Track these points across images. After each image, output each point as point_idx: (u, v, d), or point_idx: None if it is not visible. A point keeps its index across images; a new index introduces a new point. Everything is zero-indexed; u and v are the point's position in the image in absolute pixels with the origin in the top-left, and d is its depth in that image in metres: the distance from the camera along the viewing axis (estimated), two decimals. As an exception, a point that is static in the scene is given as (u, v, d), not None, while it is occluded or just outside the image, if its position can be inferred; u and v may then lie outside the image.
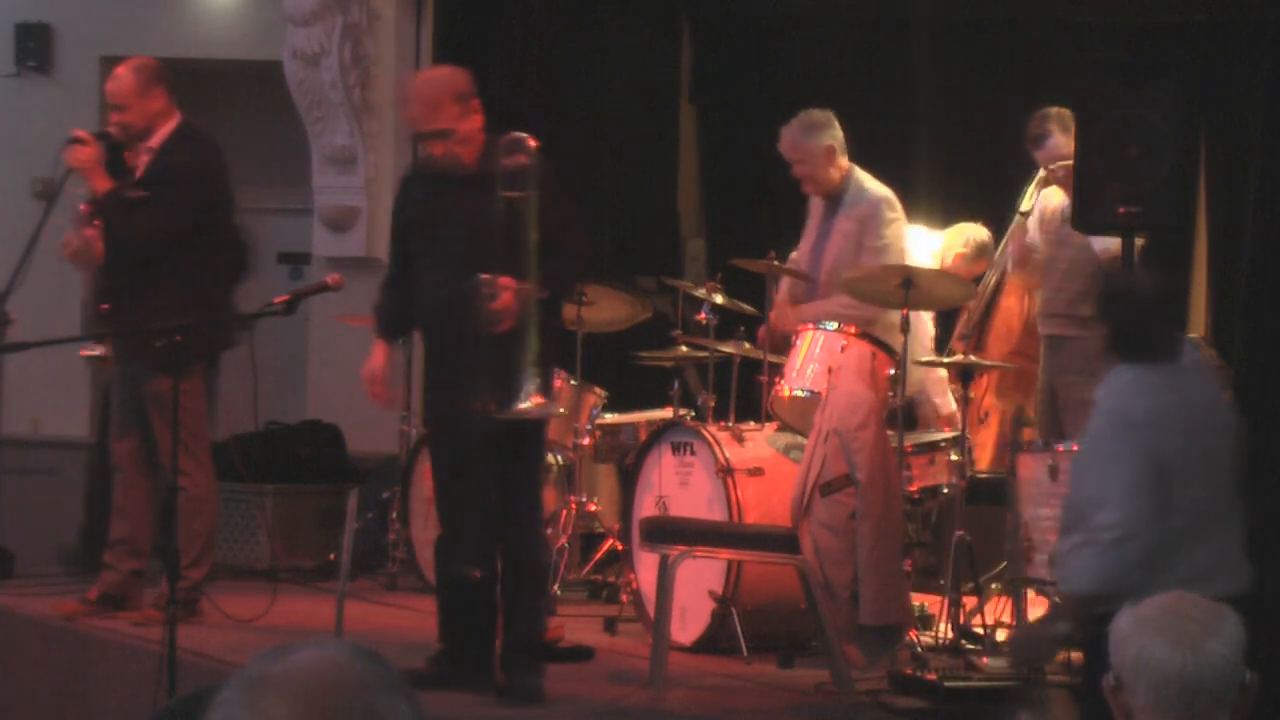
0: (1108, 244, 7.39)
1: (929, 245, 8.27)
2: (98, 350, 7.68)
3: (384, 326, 6.57)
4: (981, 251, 8.37)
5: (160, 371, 6.80)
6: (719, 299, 7.74)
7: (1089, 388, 7.55)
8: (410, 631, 7.57)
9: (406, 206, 6.41)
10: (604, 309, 8.54)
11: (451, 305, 6.12)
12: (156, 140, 7.33)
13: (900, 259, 7.58)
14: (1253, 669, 2.89)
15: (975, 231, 8.38)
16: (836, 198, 7.64)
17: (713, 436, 7.24)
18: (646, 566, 7.20)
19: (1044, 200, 7.85)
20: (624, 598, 7.69)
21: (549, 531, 8.23)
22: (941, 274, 7.12)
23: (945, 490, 7.42)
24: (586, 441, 8.27)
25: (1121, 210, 5.86)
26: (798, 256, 7.80)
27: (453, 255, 6.17)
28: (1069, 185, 7.64)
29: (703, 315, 7.75)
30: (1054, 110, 7.71)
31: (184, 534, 7.10)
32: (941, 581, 7.07)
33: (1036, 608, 7.15)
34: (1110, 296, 5.31)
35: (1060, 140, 7.65)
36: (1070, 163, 7.58)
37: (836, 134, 7.59)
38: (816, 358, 7.20)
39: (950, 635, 6.86)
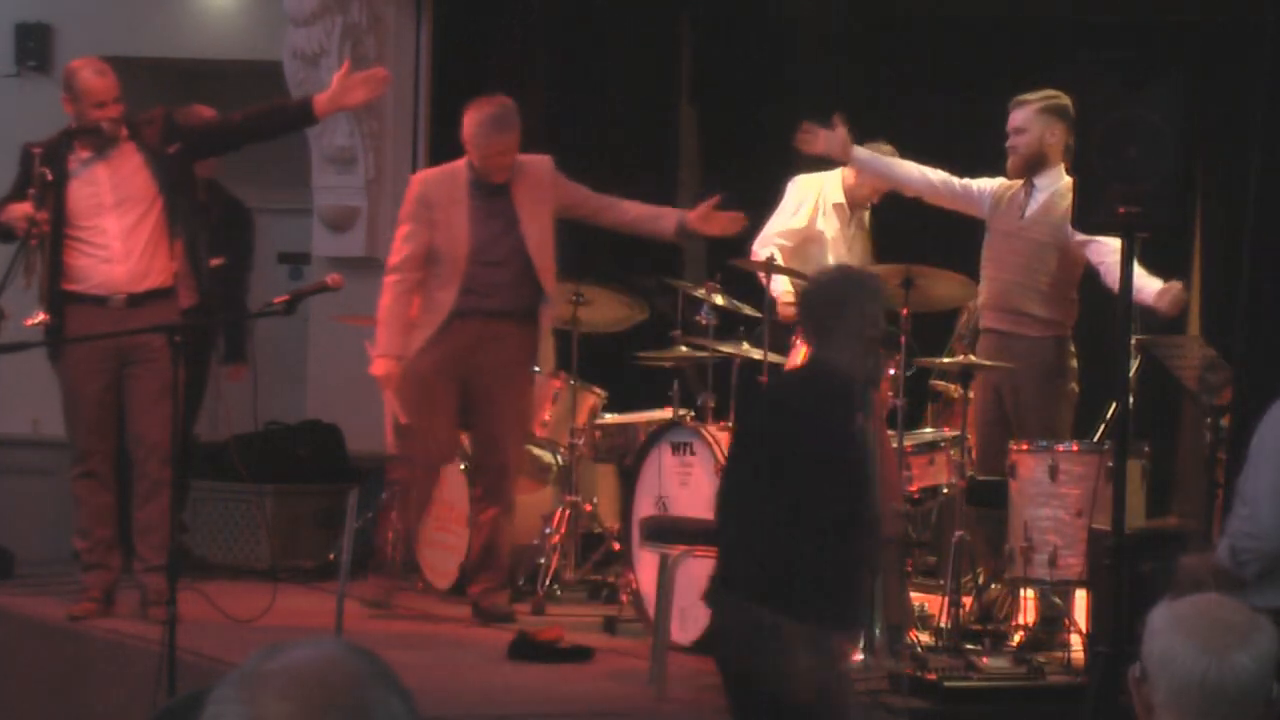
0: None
1: (830, 182, 8.13)
2: (40, 317, 7.37)
3: None
4: None
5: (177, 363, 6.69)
6: (719, 299, 7.74)
7: (1057, 391, 7.48)
8: (409, 631, 7.57)
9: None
10: (601, 309, 8.54)
11: None
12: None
13: None
14: None
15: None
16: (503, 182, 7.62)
17: (712, 436, 7.24)
18: (646, 566, 7.20)
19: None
20: (624, 598, 7.69)
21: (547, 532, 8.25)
22: (941, 274, 7.11)
23: (945, 490, 7.42)
24: (584, 442, 8.27)
25: (1121, 210, 5.85)
26: (443, 243, 7.60)
27: None
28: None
29: (702, 316, 7.74)
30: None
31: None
32: (941, 581, 7.07)
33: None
34: None
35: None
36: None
37: None
38: (816, 358, 7.19)
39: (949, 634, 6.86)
